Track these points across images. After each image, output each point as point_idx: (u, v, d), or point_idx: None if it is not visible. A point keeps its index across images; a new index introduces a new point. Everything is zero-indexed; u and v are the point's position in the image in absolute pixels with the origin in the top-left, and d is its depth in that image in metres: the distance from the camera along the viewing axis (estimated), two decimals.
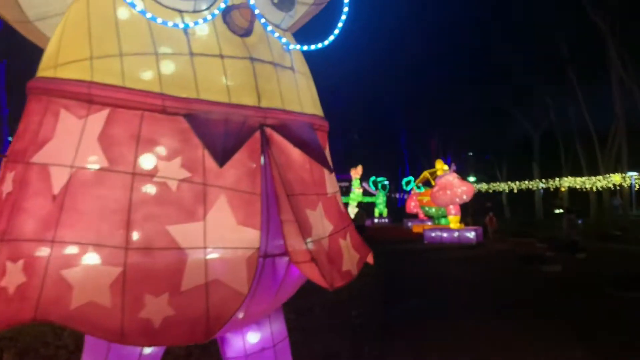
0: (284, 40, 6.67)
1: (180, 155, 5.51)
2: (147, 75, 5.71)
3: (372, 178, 75.17)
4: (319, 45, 7.12)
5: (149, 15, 5.74)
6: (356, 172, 67.78)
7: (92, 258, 5.09)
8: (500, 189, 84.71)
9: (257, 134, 5.95)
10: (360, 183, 69.74)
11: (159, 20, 5.73)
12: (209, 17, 6.06)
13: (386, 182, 77.54)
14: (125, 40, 5.85)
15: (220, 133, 5.55)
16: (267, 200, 5.97)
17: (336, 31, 7.22)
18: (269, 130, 6.04)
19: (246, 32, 6.28)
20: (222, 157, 5.45)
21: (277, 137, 6.09)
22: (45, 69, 6.08)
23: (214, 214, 5.48)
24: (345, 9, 7.44)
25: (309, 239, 5.98)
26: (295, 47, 6.79)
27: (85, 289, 5.01)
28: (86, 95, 5.63)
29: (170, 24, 5.80)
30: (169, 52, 5.84)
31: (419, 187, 59.49)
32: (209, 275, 5.29)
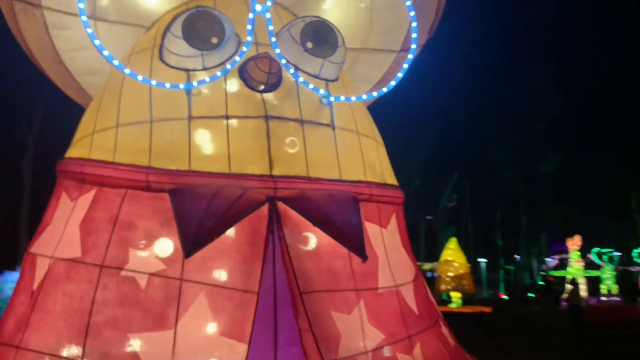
0: (321, 91, 5.28)
1: (156, 241, 4.40)
2: (137, 147, 4.82)
3: (596, 249, 65.04)
4: (374, 94, 5.59)
5: (153, 82, 4.92)
6: (573, 243, 59.31)
7: None
8: None
9: (264, 209, 4.58)
10: (580, 255, 60.72)
11: (153, 82, 4.86)
12: (219, 74, 5.03)
13: (615, 254, 66.40)
14: (124, 109, 5.11)
15: (199, 212, 4.32)
16: (276, 298, 4.46)
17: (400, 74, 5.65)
18: (281, 205, 4.61)
19: (270, 87, 5.08)
20: (193, 244, 4.18)
21: (293, 214, 4.61)
22: (68, 149, 5.68)
23: (189, 320, 4.16)
24: (411, 55, 5.93)
25: (333, 357, 4.25)
26: (334, 98, 5.34)
27: None
28: (80, 175, 4.95)
29: (167, 85, 4.89)
30: (164, 118, 4.91)
31: None
32: None
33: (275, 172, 4.71)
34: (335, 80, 5.69)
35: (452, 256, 24.93)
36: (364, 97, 5.55)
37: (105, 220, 4.61)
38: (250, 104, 4.99)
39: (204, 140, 4.79)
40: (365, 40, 7.06)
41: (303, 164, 4.87)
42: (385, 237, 5.23)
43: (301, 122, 5.07)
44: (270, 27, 5.21)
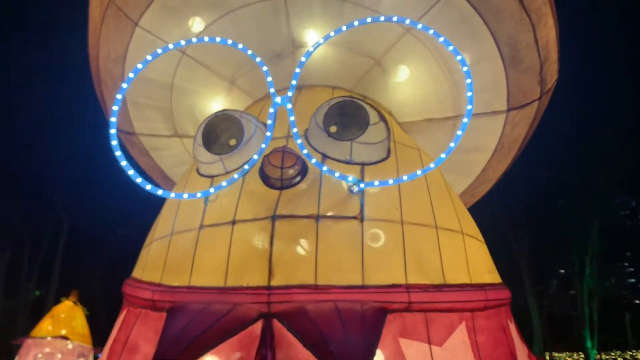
0: (350, 178, 4.47)
1: None
2: (158, 262, 4.70)
3: None
4: (419, 172, 4.52)
5: (172, 195, 4.82)
6: None
7: None
8: None
9: (256, 329, 3.84)
10: None
11: (172, 195, 4.76)
12: (236, 176, 4.69)
13: None
14: (160, 223, 5.13)
15: (176, 330, 3.82)
16: None
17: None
18: (276, 323, 3.83)
19: (288, 183, 4.52)
20: None
21: (288, 334, 3.77)
22: None
23: None
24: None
25: None
26: (364, 185, 4.45)
27: None
28: (124, 295, 5.04)
29: (185, 196, 4.73)
30: (181, 230, 4.73)
31: None
32: None
33: (275, 282, 4.00)
34: (381, 161, 4.79)
35: None
36: (405, 178, 4.49)
37: (121, 342, 4.47)
38: (263, 204, 4.46)
39: (207, 251, 4.39)
40: (457, 106, 5.99)
41: (311, 269, 4.05)
42: (437, 358, 3.92)
43: (316, 218, 4.31)
44: (292, 118, 4.71)
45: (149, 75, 6.08)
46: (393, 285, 4.07)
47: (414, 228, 4.49)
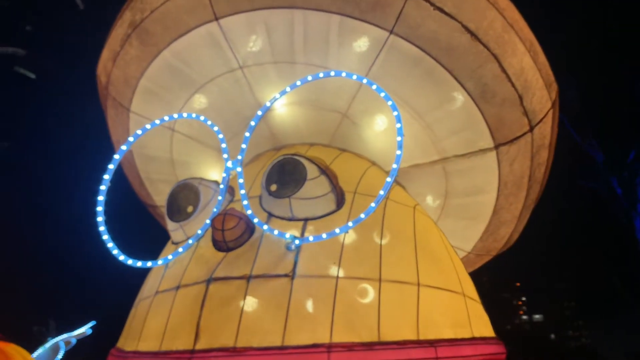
0: (287, 235, 4.45)
1: None
2: (125, 328, 5.01)
3: None
4: (350, 224, 4.37)
5: (149, 264, 5.13)
6: None
7: None
8: None
9: None
10: None
11: (139, 264, 5.07)
12: (190, 242, 4.92)
13: None
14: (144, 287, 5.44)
15: None
16: None
17: None
18: None
19: (234, 244, 4.63)
20: None
21: None
22: None
23: None
24: None
25: None
26: (299, 242, 4.39)
27: None
28: None
29: (149, 264, 5.03)
30: (144, 297, 5.04)
31: None
32: None
33: (199, 345, 4.06)
34: (328, 214, 4.70)
35: None
36: (337, 230, 4.35)
37: None
38: (206, 267, 4.59)
39: (154, 317, 4.59)
40: (441, 148, 5.73)
41: (233, 331, 4.04)
42: None
43: (248, 278, 4.32)
44: (240, 180, 4.87)
45: (153, 153, 6.65)
46: (313, 345, 3.91)
47: (350, 282, 4.30)
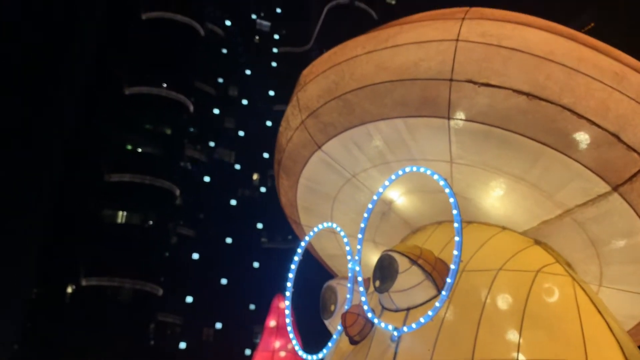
0: (390, 327, 5.09)
1: None
2: None
3: None
4: (437, 304, 4.74)
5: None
6: None
7: None
8: None
9: None
10: None
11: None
12: (335, 337, 5.93)
13: None
14: None
15: None
16: None
17: None
18: None
19: (359, 338, 5.46)
20: None
21: None
22: None
23: None
24: None
25: None
26: (397, 333, 4.96)
27: None
28: None
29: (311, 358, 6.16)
30: None
31: None
32: None
33: None
34: (429, 300, 5.08)
35: None
36: (422, 320, 4.74)
37: None
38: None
39: None
40: (558, 201, 5.56)
41: None
42: None
43: None
44: (360, 279, 5.71)
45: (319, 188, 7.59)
46: None
47: None
